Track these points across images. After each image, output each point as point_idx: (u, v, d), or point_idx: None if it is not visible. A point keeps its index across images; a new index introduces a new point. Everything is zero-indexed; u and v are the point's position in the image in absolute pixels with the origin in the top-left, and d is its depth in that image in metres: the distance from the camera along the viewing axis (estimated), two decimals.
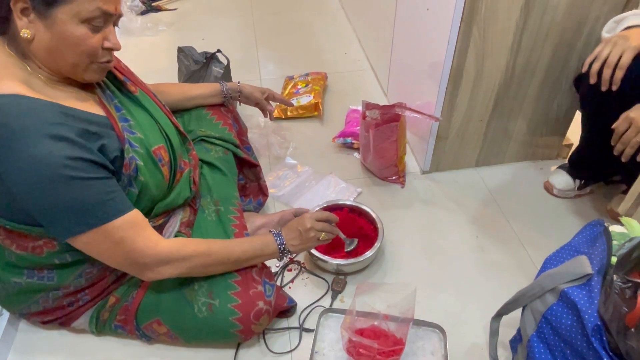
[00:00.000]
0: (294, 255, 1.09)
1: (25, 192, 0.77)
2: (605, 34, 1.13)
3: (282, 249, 1.01)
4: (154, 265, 0.88)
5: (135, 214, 0.86)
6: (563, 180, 1.39)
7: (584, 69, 1.08)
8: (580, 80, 1.17)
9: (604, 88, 1.04)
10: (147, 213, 0.97)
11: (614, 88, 1.03)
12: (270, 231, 1.04)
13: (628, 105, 1.03)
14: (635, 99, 1.03)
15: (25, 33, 0.78)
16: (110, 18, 0.82)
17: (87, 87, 0.92)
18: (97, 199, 0.80)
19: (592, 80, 1.05)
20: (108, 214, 0.82)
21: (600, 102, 1.14)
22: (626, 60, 0.99)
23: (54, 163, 0.75)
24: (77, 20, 0.78)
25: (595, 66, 1.03)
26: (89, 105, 0.87)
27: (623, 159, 1.03)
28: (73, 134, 0.78)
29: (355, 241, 1.21)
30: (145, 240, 0.86)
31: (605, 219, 1.32)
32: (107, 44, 0.83)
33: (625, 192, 1.29)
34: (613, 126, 1.02)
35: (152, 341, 1.06)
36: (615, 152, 1.04)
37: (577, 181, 1.37)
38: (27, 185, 0.76)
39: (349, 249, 1.20)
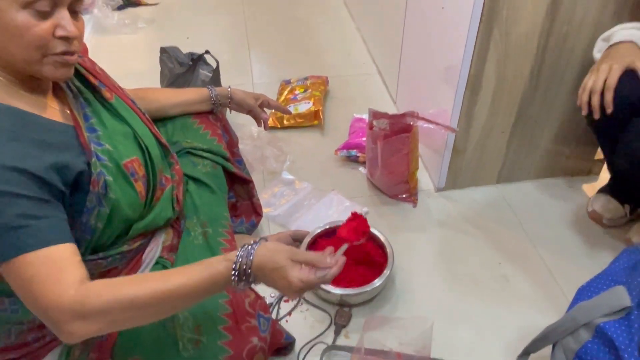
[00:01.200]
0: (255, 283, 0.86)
1: None
2: (596, 54, 1.19)
3: (236, 272, 0.81)
4: (65, 321, 0.75)
5: (58, 250, 0.77)
6: (610, 207, 1.38)
7: (578, 103, 1.15)
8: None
9: (596, 116, 1.10)
10: (122, 235, 0.97)
11: (608, 111, 1.09)
12: (245, 246, 0.84)
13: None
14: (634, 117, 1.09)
15: None
16: (60, 1, 0.80)
17: (56, 93, 0.94)
18: (14, 222, 0.73)
19: (584, 111, 1.13)
20: (24, 242, 0.74)
21: (609, 131, 1.19)
22: (611, 81, 1.07)
23: None
24: (16, 6, 0.76)
25: (584, 97, 1.12)
26: (52, 113, 0.88)
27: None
28: (22, 141, 0.78)
29: None
30: (55, 286, 0.74)
31: None
32: (59, 32, 0.80)
33: None
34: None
35: None
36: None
37: (628, 206, 1.37)
38: None
39: None
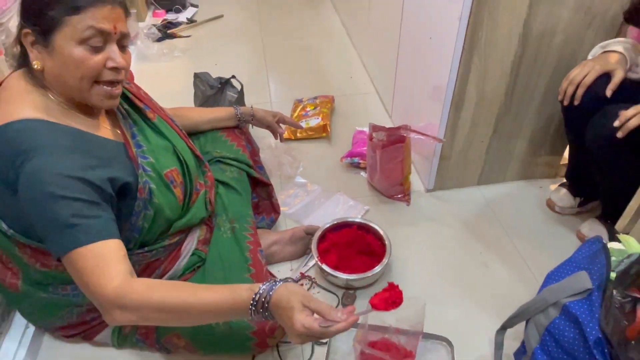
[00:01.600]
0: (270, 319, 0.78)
1: (25, 205, 0.77)
2: (590, 57, 1.18)
3: (255, 302, 0.75)
4: (108, 307, 0.76)
5: (106, 246, 0.77)
6: (564, 198, 1.40)
7: (560, 89, 1.15)
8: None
9: (566, 102, 1.12)
10: (164, 232, 0.99)
11: (576, 103, 1.10)
12: (267, 283, 0.77)
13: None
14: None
15: (35, 64, 0.80)
16: (110, 37, 0.80)
17: (109, 115, 0.95)
18: (70, 221, 0.74)
19: (560, 96, 1.14)
20: (77, 238, 0.75)
21: (575, 120, 1.19)
22: (588, 79, 1.08)
23: (47, 179, 0.74)
24: (73, 43, 0.77)
25: (564, 85, 1.12)
26: (105, 132, 0.89)
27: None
28: (79, 155, 0.79)
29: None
30: (100, 277, 0.74)
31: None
32: (110, 64, 0.81)
33: (598, 217, 1.32)
34: (621, 112, 1.00)
35: (171, 353, 1.06)
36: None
37: (577, 198, 1.39)
38: (25, 198, 0.76)
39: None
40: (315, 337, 0.72)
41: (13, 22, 1.17)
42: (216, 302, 0.76)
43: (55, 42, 0.78)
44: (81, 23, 0.76)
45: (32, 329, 1.10)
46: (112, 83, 0.84)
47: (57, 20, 0.76)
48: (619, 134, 0.99)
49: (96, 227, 0.77)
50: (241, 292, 0.76)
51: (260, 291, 0.75)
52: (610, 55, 1.10)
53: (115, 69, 0.83)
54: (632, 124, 0.96)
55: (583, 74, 1.08)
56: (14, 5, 1.17)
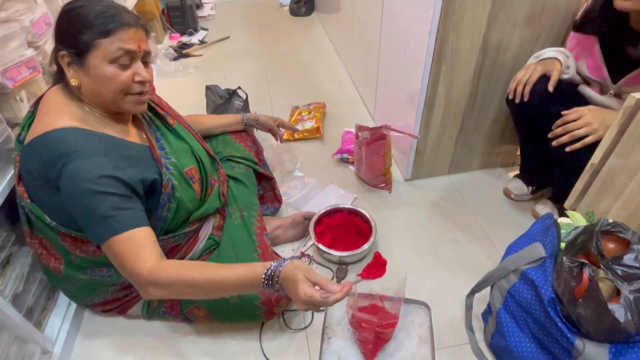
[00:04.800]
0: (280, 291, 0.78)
1: (67, 201, 0.77)
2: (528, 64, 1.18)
3: (267, 276, 0.76)
4: (144, 285, 0.77)
5: (139, 233, 0.77)
6: (518, 187, 1.40)
7: (508, 89, 1.14)
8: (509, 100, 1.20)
9: (517, 100, 1.11)
10: (185, 221, 0.98)
11: (525, 99, 1.09)
12: (276, 262, 0.78)
13: (544, 117, 1.07)
14: (544, 110, 1.08)
15: (73, 82, 0.80)
16: (136, 55, 0.80)
17: (135, 122, 0.94)
18: (108, 213, 0.75)
19: (511, 96, 1.13)
20: (113, 228, 0.75)
21: (524, 115, 1.19)
22: (533, 78, 1.07)
23: (86, 178, 0.74)
24: (105, 62, 0.77)
25: (512, 85, 1.12)
26: (132, 137, 0.89)
27: (554, 143, 1.00)
28: (112, 157, 0.78)
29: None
30: (136, 259, 0.75)
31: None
32: (137, 78, 0.81)
33: (550, 198, 1.32)
34: (563, 112, 1.00)
35: (193, 322, 1.06)
36: (550, 135, 1.02)
37: (530, 187, 1.38)
38: (67, 195, 0.76)
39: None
40: (316, 305, 0.73)
41: (49, 44, 1.15)
42: (236, 277, 0.77)
43: (89, 62, 0.77)
44: (111, 45, 0.76)
45: (74, 306, 1.09)
46: (140, 94, 0.84)
47: (90, 44, 0.76)
48: (561, 139, 0.98)
49: (130, 217, 0.77)
50: (256, 269, 0.77)
51: (272, 268, 0.76)
52: (547, 60, 1.10)
53: (142, 82, 0.83)
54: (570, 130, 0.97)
55: (528, 74, 1.08)
56: (49, 30, 1.15)
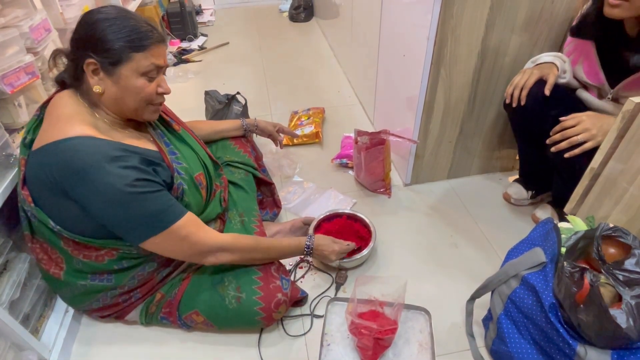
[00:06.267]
0: (309, 258, 1.19)
1: (102, 211, 0.78)
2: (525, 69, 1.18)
3: (307, 250, 1.06)
4: (215, 252, 0.90)
5: (192, 215, 0.88)
6: (518, 191, 1.39)
7: (505, 94, 1.14)
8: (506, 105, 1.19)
9: (514, 104, 1.11)
10: None
11: (522, 103, 1.09)
12: (308, 236, 1.09)
13: (541, 121, 1.07)
14: (541, 114, 1.08)
15: (97, 89, 0.81)
16: (161, 69, 0.85)
17: (141, 128, 0.94)
18: (161, 208, 0.82)
19: (507, 100, 1.13)
20: (172, 217, 0.83)
21: (521, 119, 1.18)
22: (529, 83, 1.07)
23: (125, 185, 0.77)
24: (137, 74, 0.81)
25: (509, 89, 1.12)
26: (143, 143, 0.90)
27: (553, 149, 1.00)
28: (135, 162, 0.80)
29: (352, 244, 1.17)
30: (206, 233, 0.89)
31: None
32: (160, 90, 0.86)
33: (550, 203, 1.32)
34: (561, 118, 0.99)
35: (191, 329, 1.05)
36: (549, 141, 1.01)
37: (530, 192, 1.38)
38: (105, 205, 0.77)
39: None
40: (345, 252, 1.11)
41: (48, 50, 1.15)
42: (287, 245, 1.03)
43: (121, 72, 0.80)
44: (145, 60, 0.80)
45: (71, 312, 1.08)
46: (160, 104, 0.90)
47: (125, 55, 0.79)
48: (561, 145, 0.98)
49: (178, 205, 0.87)
50: (299, 242, 1.05)
51: (308, 239, 1.06)
52: (544, 65, 1.10)
53: (162, 94, 0.88)
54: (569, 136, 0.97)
55: (524, 79, 1.08)
56: (49, 36, 1.16)
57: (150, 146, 0.90)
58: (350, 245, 1.11)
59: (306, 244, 1.05)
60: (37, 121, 0.87)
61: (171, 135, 1.00)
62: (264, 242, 0.98)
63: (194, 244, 0.87)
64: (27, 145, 0.86)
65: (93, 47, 0.79)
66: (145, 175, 0.80)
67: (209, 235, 0.89)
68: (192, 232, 0.87)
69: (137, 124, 0.93)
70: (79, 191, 0.77)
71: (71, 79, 0.85)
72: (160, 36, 0.83)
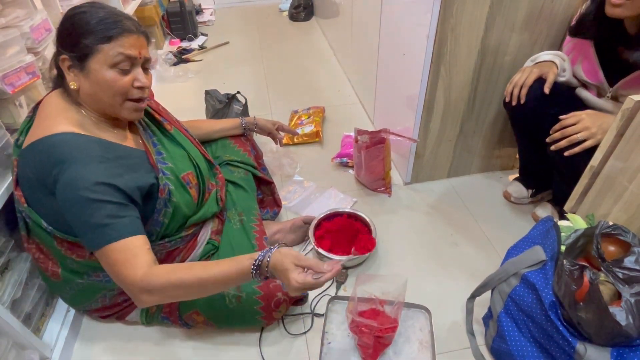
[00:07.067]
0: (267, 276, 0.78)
1: (62, 207, 0.76)
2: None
3: (255, 267, 0.76)
4: (137, 293, 0.76)
5: (134, 241, 0.76)
6: (518, 190, 1.39)
7: (505, 92, 1.14)
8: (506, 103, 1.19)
9: (514, 102, 1.10)
10: (182, 225, 0.98)
11: (522, 102, 1.09)
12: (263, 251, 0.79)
13: (541, 119, 1.07)
14: (541, 112, 1.08)
15: (72, 85, 0.80)
16: (136, 61, 0.81)
17: (131, 127, 0.94)
18: (103, 221, 0.74)
19: (507, 98, 1.13)
20: (109, 235, 0.75)
21: (521, 118, 1.18)
22: (529, 81, 1.07)
23: (82, 185, 0.74)
24: (106, 66, 0.78)
25: (509, 88, 1.12)
26: (129, 142, 0.89)
27: (553, 148, 0.99)
28: (109, 163, 0.78)
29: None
30: (129, 268, 0.74)
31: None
32: (136, 83, 0.82)
33: (550, 201, 1.32)
34: (560, 117, 0.99)
35: (192, 328, 1.06)
36: (549, 140, 1.01)
37: (530, 190, 1.38)
38: (63, 201, 0.76)
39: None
40: (311, 288, 0.73)
41: (48, 50, 1.15)
42: (224, 272, 0.76)
43: (90, 66, 0.78)
44: (112, 50, 0.77)
45: (72, 312, 1.09)
46: (138, 100, 0.85)
47: (91, 48, 0.77)
48: (560, 144, 0.98)
49: (125, 225, 0.77)
50: (243, 261, 0.76)
51: (259, 258, 0.76)
52: (543, 63, 1.10)
53: (141, 88, 0.84)
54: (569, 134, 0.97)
55: (524, 77, 1.08)
56: (49, 36, 1.16)
57: (136, 145, 0.90)
58: (320, 279, 0.73)
59: (253, 267, 0.75)
60: (30, 122, 0.87)
61: (162, 135, 0.99)
62: (196, 275, 0.76)
63: (116, 276, 0.76)
64: (19, 146, 0.86)
65: (63, 43, 0.79)
66: (109, 179, 0.76)
67: (132, 271, 0.74)
68: (119, 261, 0.74)
69: (127, 123, 0.92)
70: (56, 184, 0.76)
71: (56, 78, 0.85)
72: (132, 26, 0.79)
